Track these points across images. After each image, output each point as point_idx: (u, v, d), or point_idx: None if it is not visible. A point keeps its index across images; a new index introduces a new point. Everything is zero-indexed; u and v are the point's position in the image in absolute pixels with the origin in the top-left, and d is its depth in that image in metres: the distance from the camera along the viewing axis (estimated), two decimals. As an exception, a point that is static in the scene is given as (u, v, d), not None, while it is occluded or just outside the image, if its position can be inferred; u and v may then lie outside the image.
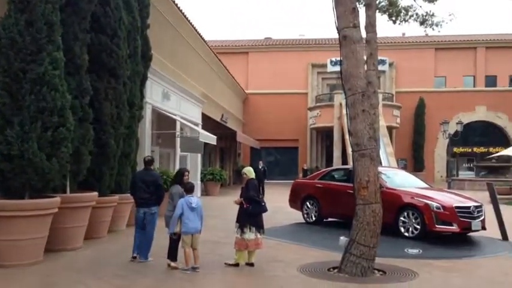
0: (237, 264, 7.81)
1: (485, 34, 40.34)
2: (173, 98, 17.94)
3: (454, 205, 10.52)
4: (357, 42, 7.84)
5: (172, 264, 7.59)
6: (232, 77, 31.53)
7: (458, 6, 58.63)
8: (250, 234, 7.76)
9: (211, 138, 18.51)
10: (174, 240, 7.64)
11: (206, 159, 28.75)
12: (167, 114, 17.10)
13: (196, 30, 20.88)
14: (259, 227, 7.90)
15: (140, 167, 10.79)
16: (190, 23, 19.93)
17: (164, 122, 17.71)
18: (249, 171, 8.21)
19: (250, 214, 7.81)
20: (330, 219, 13.19)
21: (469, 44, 38.76)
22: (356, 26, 7.87)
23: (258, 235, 7.87)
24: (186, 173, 8.19)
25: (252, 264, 7.85)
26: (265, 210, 7.98)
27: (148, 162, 8.58)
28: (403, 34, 41.75)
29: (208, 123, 23.92)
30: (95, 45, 10.08)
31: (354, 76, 7.79)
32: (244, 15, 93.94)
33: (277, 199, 18.01)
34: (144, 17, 12.76)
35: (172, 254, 7.66)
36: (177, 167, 16.84)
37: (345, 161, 29.75)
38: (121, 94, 10.81)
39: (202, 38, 22.19)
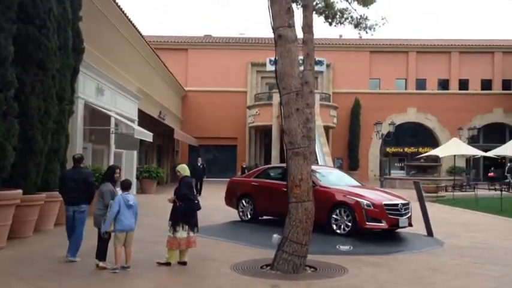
0: (168, 263, 7.68)
1: (416, 39, 42.11)
2: (108, 93, 17.43)
3: (383, 203, 10.89)
4: (292, 41, 7.92)
5: (101, 264, 7.36)
6: (170, 73, 31.09)
7: (391, 12, 60.93)
8: (182, 233, 7.66)
9: (147, 135, 18.15)
10: (104, 240, 7.41)
11: (143, 156, 28.18)
12: (101, 109, 16.59)
13: (132, 24, 20.39)
14: (193, 225, 7.81)
15: (71, 164, 10.40)
16: (127, 17, 19.45)
17: (98, 118, 17.17)
18: (183, 169, 8.10)
19: (183, 212, 7.71)
20: (265, 217, 13.30)
21: (402, 48, 40.33)
22: (291, 26, 7.94)
23: (191, 234, 7.77)
24: (118, 170, 7.96)
25: (184, 263, 7.75)
26: (198, 208, 7.90)
27: (78, 160, 8.28)
28: (340, 36, 42.81)
29: (145, 120, 23.44)
30: (22, 36, 9.59)
31: (288, 75, 7.86)
32: (184, 12, 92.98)
33: (215, 197, 17.95)
34: (76, 9, 12.28)
35: (101, 254, 7.42)
36: (112, 164, 16.39)
37: (283, 159, 30.06)
38: (49, 87, 10.36)
39: (139, 32, 21.71)
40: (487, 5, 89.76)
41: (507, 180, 29.55)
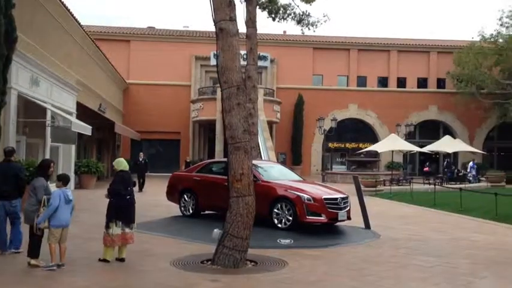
0: (106, 260, 7.48)
1: (357, 37, 43.16)
2: (43, 84, 16.72)
3: (323, 197, 11.09)
4: (233, 35, 7.88)
5: (33, 261, 7.06)
6: (111, 65, 30.24)
7: (333, 9, 62.13)
8: (115, 229, 7.48)
9: (85, 129, 17.58)
10: (36, 236, 7.11)
11: (82, 150, 27.31)
12: (36, 101, 15.89)
13: (71, 14, 19.61)
14: (128, 221, 7.63)
15: (2, 157, 9.89)
16: (64, 6, 18.66)
17: (33, 110, 16.44)
18: (118, 163, 7.90)
19: (117, 208, 7.53)
20: (207, 211, 13.23)
21: (344, 46, 41.20)
22: (233, 20, 7.90)
23: (127, 230, 7.59)
24: (52, 165, 7.66)
25: (122, 260, 7.58)
26: (128, 204, 7.70)
27: (9, 153, 7.91)
28: (284, 32, 43.19)
29: (84, 113, 22.70)
30: None
31: (230, 69, 7.83)
32: (128, 4, 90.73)
33: (157, 192, 17.68)
34: (9, -5, 11.65)
35: (33, 251, 7.12)
36: (45, 158, 15.74)
37: (227, 154, 30.03)
38: (-21, 77, 9.79)
39: (78, 22, 20.91)
40: (425, 6, 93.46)
41: (444, 175, 31.01)
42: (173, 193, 13.70)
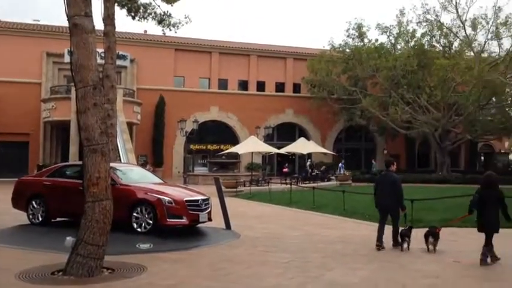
0: None
1: (219, 40, 43.89)
2: None
3: (185, 199, 11.05)
4: (89, 32, 7.48)
5: None
6: None
7: (196, 11, 62.47)
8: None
9: None
10: None
11: None
12: None
13: None
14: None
15: None
16: None
17: None
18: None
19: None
20: (59, 219, 12.36)
21: (205, 48, 41.62)
22: (88, 15, 7.50)
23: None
24: None
25: (-43, 277, 6.74)
26: None
27: None
28: (145, 31, 42.25)
29: None
30: None
31: (85, 68, 7.42)
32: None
33: (2, 199, 16.04)
34: None
35: None
36: None
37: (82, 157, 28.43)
38: None
39: None
40: (281, 14, 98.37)
41: (299, 175, 32.98)
42: (19, 200, 12.57)
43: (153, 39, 39.54)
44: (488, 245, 8.34)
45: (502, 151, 52.73)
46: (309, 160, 37.22)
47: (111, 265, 7.56)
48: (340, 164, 35.39)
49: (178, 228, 11.24)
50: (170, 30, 18.87)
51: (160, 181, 12.96)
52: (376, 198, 10.03)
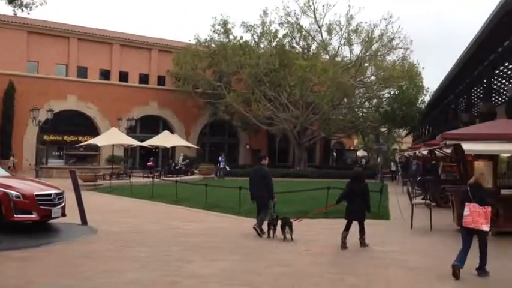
0: None
1: (78, 26, 41.30)
2: None
3: (35, 193, 10.25)
4: None
5: None
6: None
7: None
8: None
9: None
10: None
11: None
12: None
13: None
14: None
15: None
16: None
17: None
18: None
19: None
20: None
21: (63, 33, 38.92)
22: None
23: None
24: None
25: None
26: None
27: None
28: (-6, 10, 38.31)
29: None
30: None
31: None
32: None
33: None
34: None
35: None
36: None
37: None
38: None
39: None
40: (149, 2, 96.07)
41: (163, 169, 32.45)
42: None
43: (3, 20, 35.95)
44: (362, 233, 9.32)
45: (351, 148, 57.70)
46: (182, 154, 36.86)
47: None
48: (220, 158, 35.16)
49: (28, 224, 10.41)
50: (22, 11, 17.32)
51: (7, 174, 11.87)
52: (250, 191, 10.71)
